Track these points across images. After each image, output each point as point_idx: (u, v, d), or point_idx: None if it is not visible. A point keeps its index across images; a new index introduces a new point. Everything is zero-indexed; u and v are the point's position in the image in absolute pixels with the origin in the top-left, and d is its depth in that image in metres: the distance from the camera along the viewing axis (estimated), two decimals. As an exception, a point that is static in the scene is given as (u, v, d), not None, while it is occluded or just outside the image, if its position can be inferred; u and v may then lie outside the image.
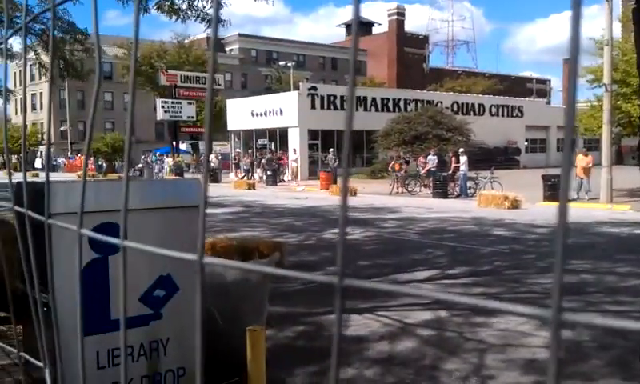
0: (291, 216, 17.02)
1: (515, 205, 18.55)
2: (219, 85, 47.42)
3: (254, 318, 4.96)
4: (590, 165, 20.44)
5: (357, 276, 8.67)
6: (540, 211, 17.33)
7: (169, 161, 43.65)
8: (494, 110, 47.48)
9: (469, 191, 23.28)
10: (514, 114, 49.11)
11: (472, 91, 56.54)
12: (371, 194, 24.51)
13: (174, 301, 4.04)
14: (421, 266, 9.42)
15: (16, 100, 67.16)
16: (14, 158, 59.53)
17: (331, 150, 32.99)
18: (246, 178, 34.49)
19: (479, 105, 46.52)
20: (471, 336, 5.91)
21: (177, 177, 34.83)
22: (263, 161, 34.67)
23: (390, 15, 79.33)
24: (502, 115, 48.22)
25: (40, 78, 53.02)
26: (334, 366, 0.54)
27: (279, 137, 38.18)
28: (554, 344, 0.48)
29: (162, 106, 42.74)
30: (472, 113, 44.35)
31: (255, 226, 14.64)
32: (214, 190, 26.16)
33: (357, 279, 0.54)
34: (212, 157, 39.21)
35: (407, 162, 27.16)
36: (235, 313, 5.04)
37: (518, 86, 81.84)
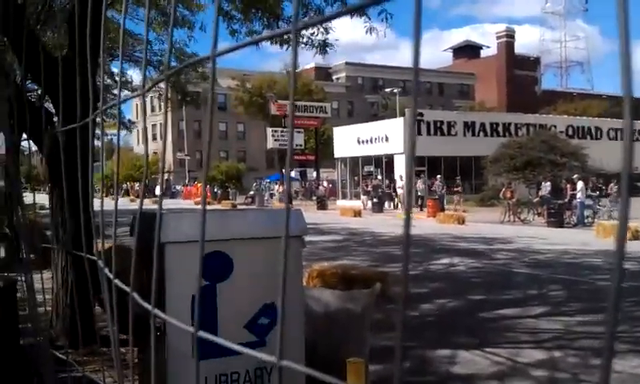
0: (396, 244, 16.82)
1: (638, 235, 17.22)
2: (326, 113, 48.26)
3: (356, 349, 4.92)
4: None
5: (466, 311, 8.40)
6: (668, 243, 15.96)
7: (278, 188, 44.87)
8: (612, 134, 44.67)
9: (586, 220, 21.97)
10: (636, 138, 45.96)
11: (587, 114, 53.60)
12: (480, 223, 23.77)
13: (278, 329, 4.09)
14: (534, 301, 8.94)
15: (137, 131, 72.04)
16: (137, 185, 63.32)
17: (438, 176, 32.44)
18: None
19: (596, 128, 43.96)
20: (586, 378, 5.51)
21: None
22: (369, 187, 34.69)
23: (498, 37, 77.49)
24: (622, 139, 45.26)
25: (160, 109, 56.63)
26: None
27: (385, 164, 38.12)
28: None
29: (272, 135, 44.15)
30: (588, 137, 42.01)
31: (359, 254, 14.62)
32: (321, 217, 26.50)
33: (295, 363, 0.51)
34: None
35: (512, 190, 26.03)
36: (337, 342, 5.03)
37: (641, 108, 76.57)
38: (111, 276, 1.29)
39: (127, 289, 1.15)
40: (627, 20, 0.47)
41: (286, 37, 11.23)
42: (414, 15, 0.55)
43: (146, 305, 1.06)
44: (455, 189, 31.70)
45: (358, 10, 9.51)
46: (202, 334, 0.88)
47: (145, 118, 1.44)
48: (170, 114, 60.14)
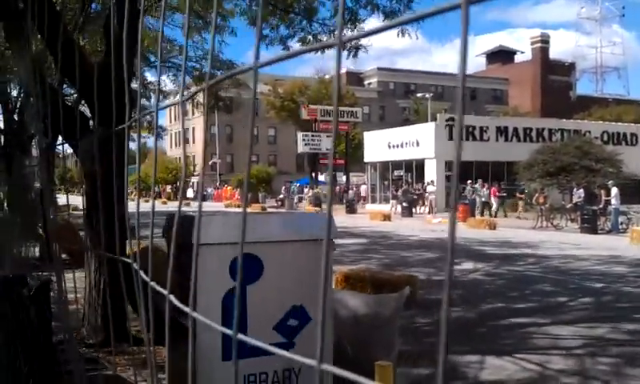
0: (424, 248, 16.71)
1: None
2: (357, 118, 48.19)
3: (384, 352, 4.92)
4: None
5: (487, 318, 8.31)
6: None
7: (308, 192, 44.97)
8: (647, 140, 43.57)
9: (620, 227, 21.52)
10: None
11: (623, 120, 52.42)
12: (512, 228, 23.47)
13: (306, 331, 4.11)
14: (559, 310, 8.80)
15: (171, 135, 72.94)
16: (168, 188, 64.09)
17: (469, 181, 32.15)
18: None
19: (632, 134, 42.93)
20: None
21: (315, 207, 35.75)
22: (399, 192, 34.53)
23: (533, 43, 76.44)
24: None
25: (193, 114, 57.35)
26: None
27: (415, 168, 37.91)
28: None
29: (303, 139, 44.30)
30: (624, 143, 41.09)
31: (387, 257, 14.56)
32: (349, 221, 26.50)
33: (336, 368, 0.54)
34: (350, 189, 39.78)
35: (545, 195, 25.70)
36: (365, 345, 5.04)
37: (679, 113, 74.62)
38: (147, 279, 1.30)
39: (164, 291, 1.17)
40: None
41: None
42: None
43: (185, 308, 1.07)
44: (519, 195, 31.36)
45: (396, 19, 9.48)
46: (242, 337, 0.89)
47: (183, 124, 1.47)
48: (202, 121, 60.84)
